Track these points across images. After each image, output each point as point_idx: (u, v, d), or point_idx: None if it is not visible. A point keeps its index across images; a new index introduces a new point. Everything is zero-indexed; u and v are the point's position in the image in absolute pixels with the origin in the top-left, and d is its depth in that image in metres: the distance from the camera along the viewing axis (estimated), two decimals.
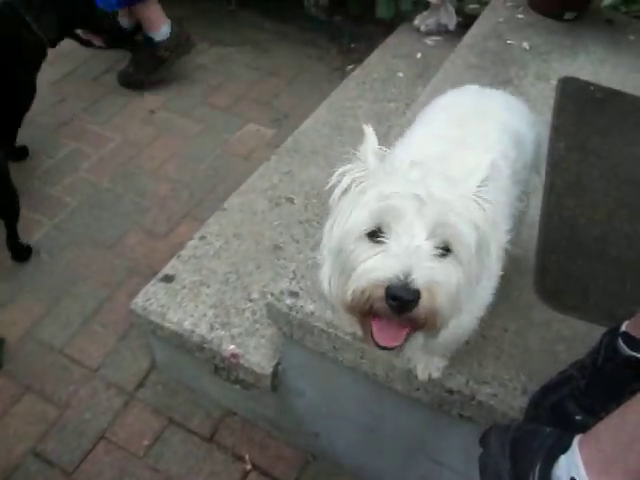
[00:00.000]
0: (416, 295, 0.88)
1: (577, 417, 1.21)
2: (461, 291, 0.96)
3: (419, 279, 0.88)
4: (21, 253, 2.33)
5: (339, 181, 1.04)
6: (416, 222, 0.93)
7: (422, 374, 1.40)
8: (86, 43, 2.77)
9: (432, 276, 0.90)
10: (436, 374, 1.39)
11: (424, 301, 0.89)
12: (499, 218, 1.16)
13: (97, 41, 2.78)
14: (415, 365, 1.40)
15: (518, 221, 1.39)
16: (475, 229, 0.97)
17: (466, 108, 1.40)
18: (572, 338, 1.47)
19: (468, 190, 0.99)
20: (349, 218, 0.99)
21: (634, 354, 1.19)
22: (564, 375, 1.32)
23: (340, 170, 1.04)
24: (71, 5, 2.52)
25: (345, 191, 1.04)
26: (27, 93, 2.46)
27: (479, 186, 1.00)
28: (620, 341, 1.22)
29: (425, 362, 1.39)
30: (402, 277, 0.88)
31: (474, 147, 1.25)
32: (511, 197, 1.29)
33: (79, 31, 2.71)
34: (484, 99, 1.45)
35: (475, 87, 1.56)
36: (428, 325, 0.94)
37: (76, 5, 2.55)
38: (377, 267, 0.92)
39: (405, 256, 0.90)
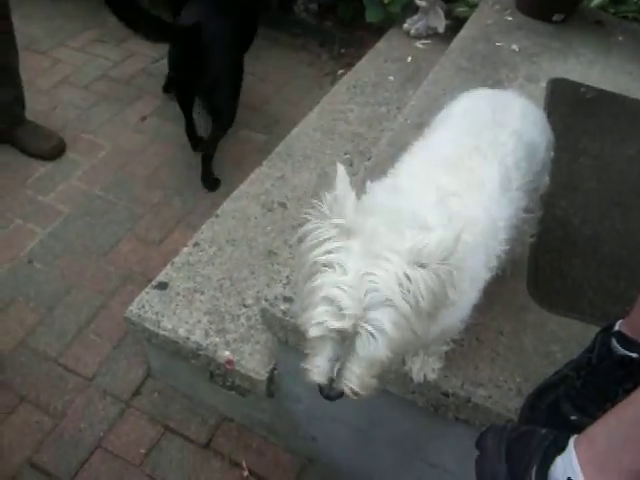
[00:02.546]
0: (341, 393, 1.05)
1: (572, 417, 1.21)
2: (403, 345, 1.01)
3: (340, 385, 1.03)
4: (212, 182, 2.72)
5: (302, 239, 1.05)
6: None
7: (417, 375, 1.40)
8: None
9: (355, 378, 1.02)
10: (431, 376, 1.39)
11: (353, 388, 1.03)
12: (490, 236, 1.19)
13: None
14: (410, 367, 1.40)
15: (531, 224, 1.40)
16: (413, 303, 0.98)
17: (483, 115, 1.39)
18: (567, 338, 1.48)
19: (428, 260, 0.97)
20: (306, 307, 1.04)
21: (628, 353, 1.19)
22: (559, 375, 1.33)
23: (303, 230, 1.04)
24: None
25: (309, 249, 1.03)
26: None
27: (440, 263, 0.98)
28: (614, 340, 1.23)
29: (420, 364, 1.39)
30: (327, 384, 1.05)
31: (488, 157, 1.27)
32: (518, 208, 1.30)
33: None
34: (501, 105, 1.44)
35: (490, 91, 1.56)
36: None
37: None
38: (311, 371, 1.07)
39: (328, 369, 1.04)
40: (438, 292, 0.99)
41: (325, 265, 0.99)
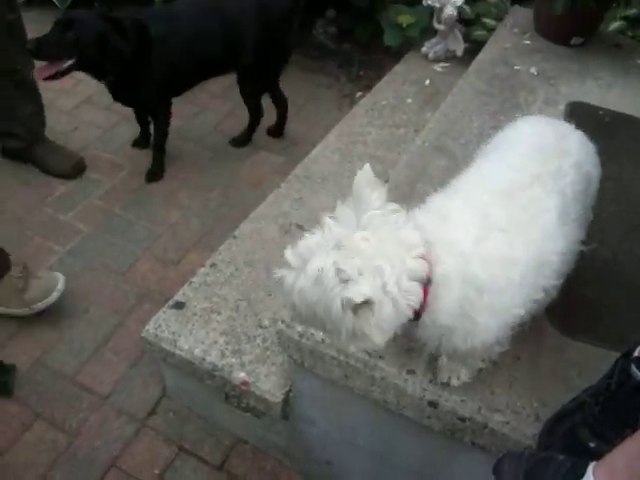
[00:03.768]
0: None
1: (591, 444, 1.19)
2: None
3: None
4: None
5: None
6: None
7: (442, 376, 1.40)
8: None
9: None
10: (455, 382, 1.39)
11: None
12: (535, 274, 1.22)
13: None
14: (440, 365, 1.40)
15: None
16: None
17: (546, 143, 1.38)
18: (585, 364, 1.46)
19: None
20: None
21: None
22: (577, 401, 1.31)
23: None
24: None
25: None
26: None
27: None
28: (633, 366, 1.21)
29: (450, 368, 1.39)
30: None
31: (549, 186, 1.27)
32: (572, 242, 1.30)
33: None
34: (561, 134, 1.43)
35: (547, 119, 1.56)
36: None
37: None
38: None
39: None
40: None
41: None
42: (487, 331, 1.20)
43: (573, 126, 1.49)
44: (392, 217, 1.12)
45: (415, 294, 1.09)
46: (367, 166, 1.14)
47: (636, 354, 1.23)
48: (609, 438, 1.15)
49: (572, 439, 1.24)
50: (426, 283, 1.11)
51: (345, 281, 1.01)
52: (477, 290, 1.15)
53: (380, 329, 1.06)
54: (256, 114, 3.02)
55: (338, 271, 1.01)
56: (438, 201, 1.27)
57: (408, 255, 1.09)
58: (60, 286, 2.20)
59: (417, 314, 1.13)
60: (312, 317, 1.09)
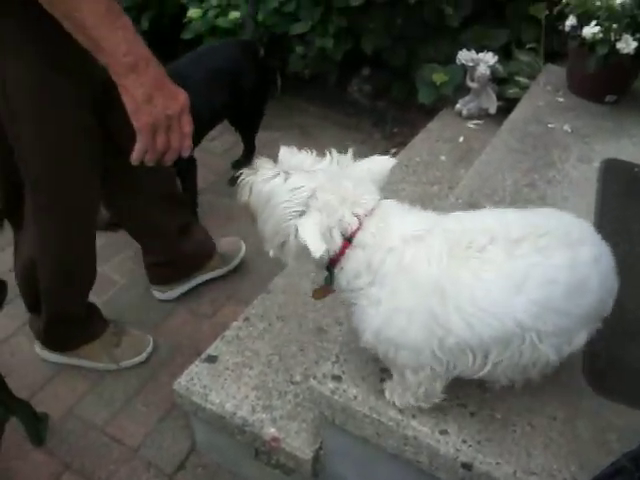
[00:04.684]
0: None
1: None
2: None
3: None
4: None
5: None
6: None
7: (387, 394, 1.47)
8: None
9: None
10: (403, 402, 1.44)
11: None
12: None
13: None
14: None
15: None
16: None
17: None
18: (624, 427, 1.42)
19: None
20: None
21: None
22: (616, 466, 1.27)
23: None
24: None
25: None
26: None
27: None
28: None
29: (392, 388, 1.45)
30: None
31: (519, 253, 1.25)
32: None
33: None
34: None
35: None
36: None
37: None
38: None
39: None
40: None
41: None
42: (366, 328, 1.31)
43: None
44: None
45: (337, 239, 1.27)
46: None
47: None
48: None
49: None
50: (348, 240, 1.27)
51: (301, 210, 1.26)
52: (371, 274, 1.27)
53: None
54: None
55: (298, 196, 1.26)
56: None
57: (349, 208, 1.27)
58: (150, 348, 2.31)
59: (332, 263, 1.31)
60: (260, 211, 1.33)
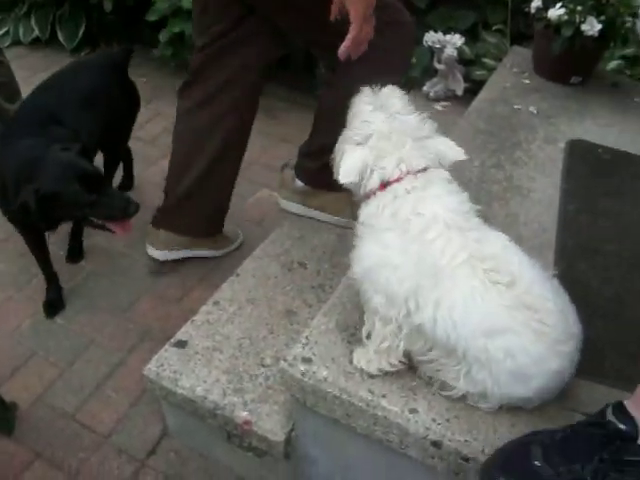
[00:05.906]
0: None
1: (536, 463, 1.21)
2: None
3: None
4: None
5: None
6: None
7: (356, 359, 1.52)
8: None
9: None
10: (366, 366, 1.49)
11: None
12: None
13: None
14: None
15: None
16: None
17: None
18: (588, 402, 1.45)
19: None
20: None
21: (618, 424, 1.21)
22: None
23: None
24: None
25: None
26: None
27: None
28: (609, 409, 1.24)
29: (360, 354, 1.51)
30: None
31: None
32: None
33: None
34: None
35: None
36: None
37: None
38: None
39: None
40: None
41: None
42: (360, 262, 1.39)
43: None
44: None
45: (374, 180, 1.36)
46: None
47: (625, 401, 1.24)
48: (554, 464, 1.16)
49: (524, 452, 1.24)
50: (385, 184, 1.34)
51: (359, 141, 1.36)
52: (393, 222, 1.33)
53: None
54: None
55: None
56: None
57: (396, 162, 1.33)
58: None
59: (366, 197, 1.39)
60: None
